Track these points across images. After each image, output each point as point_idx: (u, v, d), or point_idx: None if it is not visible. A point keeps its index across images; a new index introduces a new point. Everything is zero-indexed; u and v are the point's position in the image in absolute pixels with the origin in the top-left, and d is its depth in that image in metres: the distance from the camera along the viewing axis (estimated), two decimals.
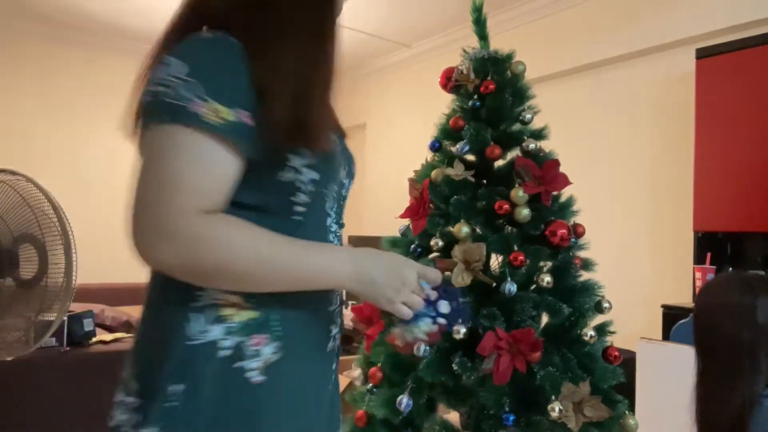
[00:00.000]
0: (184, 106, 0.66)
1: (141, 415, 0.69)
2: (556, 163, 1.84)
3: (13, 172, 1.52)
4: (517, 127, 1.96)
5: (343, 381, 2.59)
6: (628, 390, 1.94)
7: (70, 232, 1.45)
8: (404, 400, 1.65)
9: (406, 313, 0.81)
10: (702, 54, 2.85)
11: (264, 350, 0.72)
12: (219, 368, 0.70)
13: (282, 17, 0.74)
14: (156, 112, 0.68)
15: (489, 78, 1.96)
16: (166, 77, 0.67)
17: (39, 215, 1.47)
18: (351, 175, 0.93)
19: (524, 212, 1.75)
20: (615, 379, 1.75)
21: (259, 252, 0.68)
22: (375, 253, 0.80)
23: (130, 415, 0.71)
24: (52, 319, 1.46)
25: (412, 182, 1.96)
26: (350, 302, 3.13)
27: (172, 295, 0.73)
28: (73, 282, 1.47)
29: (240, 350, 0.71)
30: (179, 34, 0.75)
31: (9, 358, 1.52)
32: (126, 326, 3.33)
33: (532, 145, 1.87)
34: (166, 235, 0.65)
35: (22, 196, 1.47)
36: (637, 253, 3.45)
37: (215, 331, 0.70)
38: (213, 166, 0.67)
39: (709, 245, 2.75)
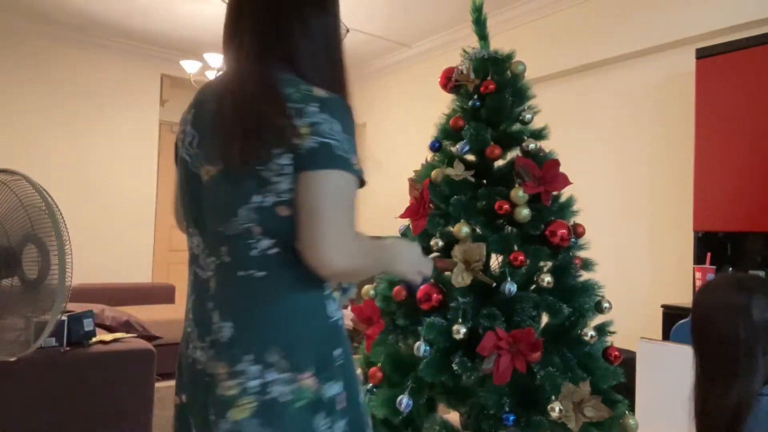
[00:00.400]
0: (348, 158, 0.93)
1: (316, 378, 0.93)
2: (556, 163, 1.84)
3: (10, 172, 1.52)
4: (517, 127, 1.96)
5: None
6: (628, 390, 1.94)
7: (65, 233, 1.45)
8: (404, 400, 1.65)
9: (418, 280, 1.19)
10: (702, 54, 2.85)
11: (340, 314, 1.05)
12: (343, 331, 1.02)
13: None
14: (333, 159, 0.91)
15: (489, 78, 1.96)
16: (330, 132, 0.91)
17: (33, 215, 1.46)
18: None
19: (524, 212, 1.75)
20: (615, 379, 1.75)
21: (372, 258, 1.01)
22: (408, 244, 1.16)
23: (294, 385, 0.91)
24: (47, 319, 1.46)
25: (412, 182, 1.96)
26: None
27: (310, 290, 0.98)
28: (67, 282, 1.46)
29: (341, 317, 1.03)
30: (275, 68, 0.97)
31: (12, 359, 1.51)
32: (126, 326, 3.33)
33: (532, 145, 1.87)
34: (343, 251, 0.91)
35: (18, 196, 1.47)
36: (637, 253, 3.46)
37: (336, 309, 1.02)
38: (356, 200, 0.96)
39: (709, 245, 2.75)
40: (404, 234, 2.03)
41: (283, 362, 0.92)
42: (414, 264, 1.14)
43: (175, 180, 1.16)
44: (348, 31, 1.09)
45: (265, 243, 0.94)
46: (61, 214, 1.48)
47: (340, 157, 0.92)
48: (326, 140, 0.91)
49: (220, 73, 1.08)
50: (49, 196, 1.50)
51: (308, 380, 0.92)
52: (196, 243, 1.02)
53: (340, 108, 0.95)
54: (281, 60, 0.99)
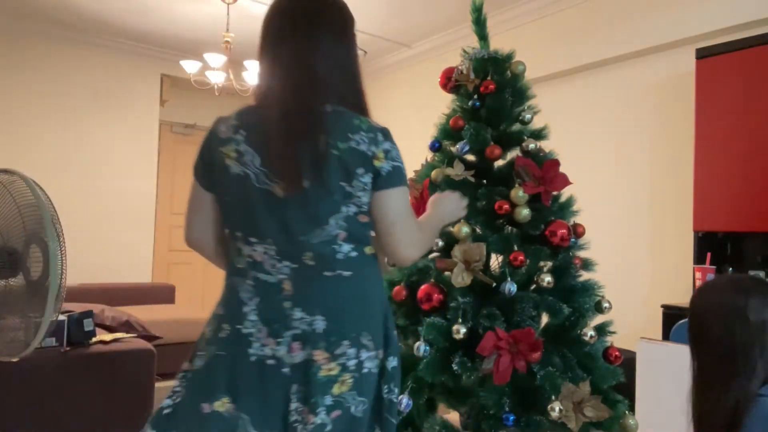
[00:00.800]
0: (407, 176, 1.20)
1: (384, 353, 1.17)
2: (556, 163, 1.84)
3: (10, 172, 1.52)
4: (517, 127, 1.96)
5: None
6: (628, 390, 1.94)
7: (54, 231, 1.44)
8: (404, 400, 1.65)
9: (464, 213, 1.57)
10: (702, 54, 2.85)
11: None
12: None
13: None
14: (401, 179, 1.17)
15: (489, 78, 1.96)
16: (397, 156, 1.16)
17: (33, 216, 1.46)
18: None
19: (524, 212, 1.75)
20: (615, 379, 1.75)
21: (431, 235, 1.34)
22: (442, 201, 1.46)
23: (376, 360, 1.15)
24: (40, 320, 1.46)
25: (412, 182, 1.96)
26: None
27: (379, 284, 1.21)
28: (60, 280, 1.46)
29: None
30: (326, 98, 1.15)
31: (14, 359, 1.51)
32: (126, 326, 3.32)
33: (532, 145, 1.87)
34: (416, 246, 1.21)
35: (13, 197, 1.46)
36: (637, 253, 3.46)
37: None
38: None
39: (709, 245, 2.75)
40: None
41: (371, 343, 1.14)
42: (455, 210, 1.49)
43: (196, 195, 1.23)
44: (366, 53, 1.26)
45: (347, 247, 1.13)
46: (55, 212, 1.47)
47: (404, 175, 1.18)
48: (397, 163, 1.16)
49: (261, 96, 1.20)
50: (45, 194, 1.49)
51: (380, 354, 1.16)
52: (261, 251, 1.13)
53: (391, 135, 1.18)
54: (316, 86, 1.15)
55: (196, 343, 1.19)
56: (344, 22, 1.23)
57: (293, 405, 1.07)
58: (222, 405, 1.08)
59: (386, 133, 1.17)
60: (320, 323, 1.10)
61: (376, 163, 1.13)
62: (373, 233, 1.21)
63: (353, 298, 1.14)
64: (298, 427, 1.07)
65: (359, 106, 1.20)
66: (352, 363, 1.10)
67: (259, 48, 1.21)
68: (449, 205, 1.46)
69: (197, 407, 1.08)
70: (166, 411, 1.12)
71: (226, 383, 1.09)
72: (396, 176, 1.15)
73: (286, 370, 1.09)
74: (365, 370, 1.12)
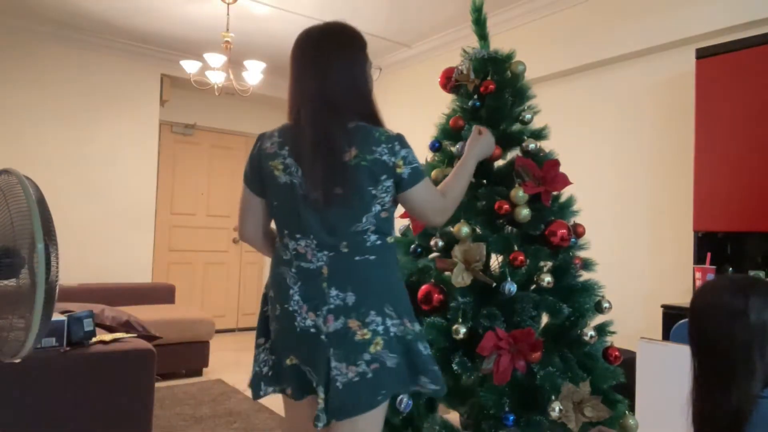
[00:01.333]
0: (423, 170, 1.43)
1: (409, 321, 1.40)
2: (556, 163, 1.84)
3: (7, 172, 1.51)
4: (517, 127, 1.96)
5: None
6: (628, 390, 1.94)
7: (51, 234, 1.43)
8: (404, 400, 1.65)
9: (493, 147, 1.81)
10: (702, 54, 2.85)
11: None
12: None
13: None
14: (420, 175, 1.41)
15: (489, 78, 1.96)
16: (413, 159, 1.40)
17: (16, 217, 1.45)
18: None
19: (524, 212, 1.75)
20: (615, 379, 1.75)
21: (461, 186, 1.56)
22: (485, 139, 1.75)
23: (401, 327, 1.38)
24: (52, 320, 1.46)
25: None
26: None
27: (396, 265, 1.46)
28: (51, 277, 1.45)
29: None
30: (346, 117, 1.38)
31: (16, 360, 1.51)
32: (126, 326, 3.32)
33: (532, 145, 1.87)
34: (444, 213, 1.49)
35: (5, 198, 1.46)
36: (637, 253, 3.46)
37: None
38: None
39: (709, 245, 2.75)
40: (404, 234, 2.03)
41: (393, 313, 1.38)
42: (485, 147, 1.74)
43: (247, 199, 1.49)
44: (381, 70, 1.37)
45: (373, 237, 1.38)
46: (48, 211, 1.46)
47: (422, 172, 1.42)
48: (414, 165, 1.40)
49: (295, 117, 1.43)
50: (39, 193, 1.48)
51: (407, 323, 1.40)
52: (304, 244, 1.38)
53: (405, 140, 1.41)
54: (337, 108, 1.38)
55: (258, 321, 1.53)
56: (357, 48, 1.46)
57: (333, 363, 1.32)
58: (291, 360, 1.41)
59: (402, 140, 1.40)
60: (351, 297, 1.35)
61: (398, 170, 1.38)
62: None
63: (377, 277, 1.38)
64: (339, 377, 1.32)
65: (374, 121, 1.43)
66: (380, 329, 1.35)
67: (289, 75, 1.46)
68: (484, 143, 1.73)
69: (282, 363, 1.42)
70: (265, 372, 1.47)
71: (288, 347, 1.41)
72: (415, 176, 1.40)
73: (323, 337, 1.34)
74: (392, 334, 1.36)
